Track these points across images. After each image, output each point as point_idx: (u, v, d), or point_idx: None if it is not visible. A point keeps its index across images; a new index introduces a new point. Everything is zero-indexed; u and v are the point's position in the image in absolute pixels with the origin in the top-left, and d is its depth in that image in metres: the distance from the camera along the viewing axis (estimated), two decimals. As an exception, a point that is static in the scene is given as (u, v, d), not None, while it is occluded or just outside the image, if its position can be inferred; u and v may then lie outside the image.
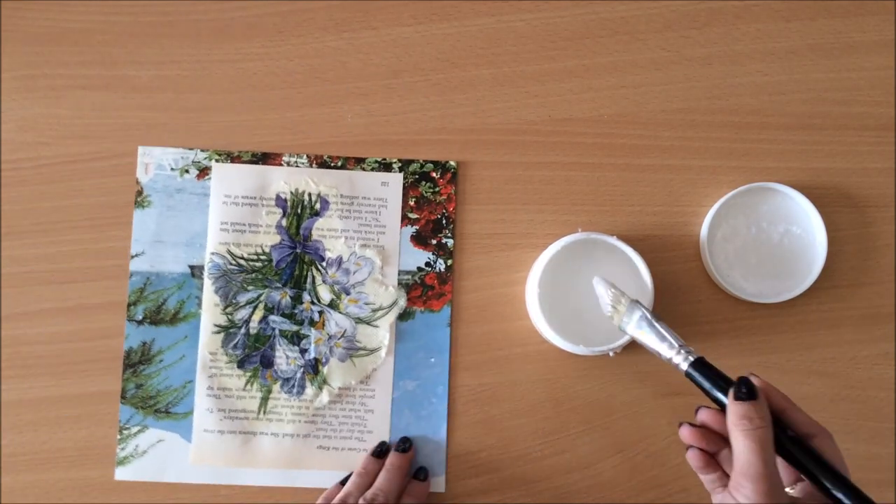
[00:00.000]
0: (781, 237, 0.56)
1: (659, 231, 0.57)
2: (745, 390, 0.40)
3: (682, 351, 0.44)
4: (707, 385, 0.42)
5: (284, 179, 0.57)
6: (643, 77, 0.58)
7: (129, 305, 0.55)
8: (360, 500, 0.49)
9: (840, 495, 0.38)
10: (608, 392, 0.55)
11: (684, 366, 0.43)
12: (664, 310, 0.55)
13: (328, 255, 0.56)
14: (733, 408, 0.40)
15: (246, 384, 0.55)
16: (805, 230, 0.56)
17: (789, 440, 0.40)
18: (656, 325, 0.45)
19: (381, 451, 0.53)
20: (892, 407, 0.55)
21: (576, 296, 0.54)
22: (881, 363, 0.56)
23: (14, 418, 0.54)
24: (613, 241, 0.52)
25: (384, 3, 0.59)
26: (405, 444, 0.53)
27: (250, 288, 0.56)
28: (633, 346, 0.51)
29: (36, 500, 0.54)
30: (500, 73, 0.58)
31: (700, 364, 0.43)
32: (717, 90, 0.58)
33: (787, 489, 0.42)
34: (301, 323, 0.55)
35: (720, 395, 0.42)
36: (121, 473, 0.54)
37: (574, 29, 0.58)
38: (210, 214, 0.56)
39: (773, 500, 0.37)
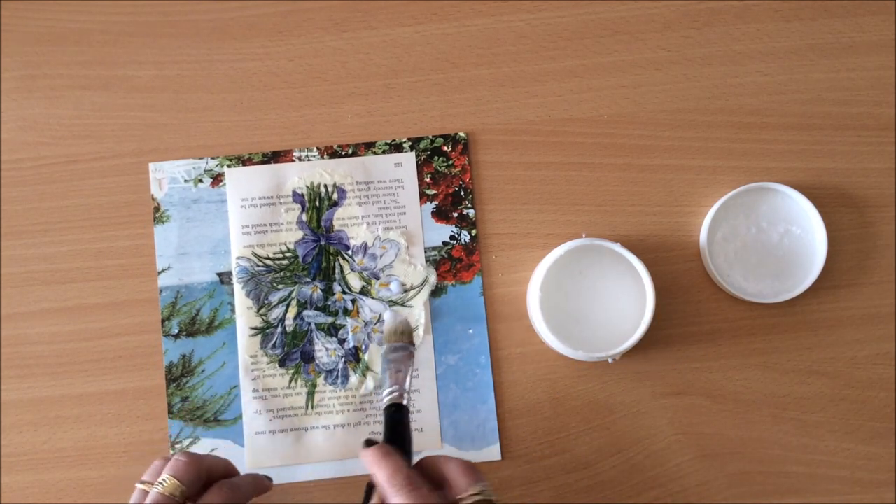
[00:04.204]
0: (781, 237, 0.56)
1: (659, 231, 0.57)
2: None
3: (393, 394, 0.46)
4: (386, 434, 0.45)
5: (298, 175, 0.57)
6: (643, 77, 0.58)
7: (163, 321, 0.55)
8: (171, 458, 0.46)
9: None
10: (608, 392, 0.55)
11: (384, 403, 0.46)
12: (664, 310, 0.55)
13: (352, 242, 0.56)
14: None
15: (290, 382, 0.55)
16: (805, 230, 0.56)
17: None
18: (390, 366, 0.48)
19: None
20: (892, 407, 0.55)
21: (577, 301, 0.54)
22: (881, 363, 0.56)
23: (14, 418, 0.54)
24: (617, 248, 0.52)
25: (384, 3, 0.59)
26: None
27: (280, 286, 0.56)
28: (633, 348, 0.51)
29: (36, 500, 0.54)
30: (500, 73, 0.58)
31: (391, 410, 0.45)
32: (717, 90, 0.58)
33: None
34: (335, 314, 0.56)
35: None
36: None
37: (574, 29, 0.58)
38: (230, 220, 0.56)
39: None
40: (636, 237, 0.57)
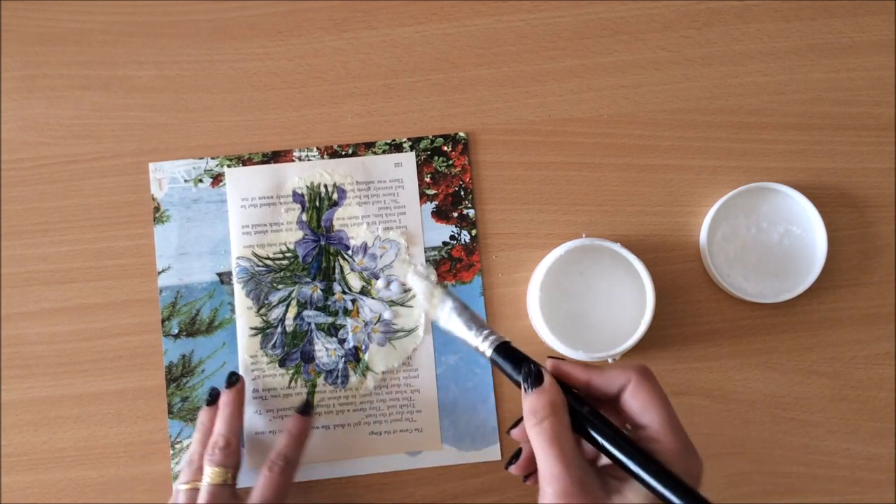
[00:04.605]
0: (781, 237, 0.56)
1: (659, 231, 0.57)
2: (530, 381, 0.38)
3: (489, 338, 0.41)
4: (509, 371, 0.40)
5: (298, 175, 0.57)
6: (643, 77, 0.58)
7: (163, 321, 0.55)
8: (205, 453, 0.48)
9: (627, 461, 0.36)
10: (608, 392, 0.55)
11: (488, 352, 0.41)
12: (664, 310, 0.55)
13: (352, 242, 0.56)
14: (523, 405, 0.38)
15: (290, 382, 0.55)
16: (805, 230, 0.56)
17: (583, 418, 0.37)
18: (464, 314, 0.43)
19: (212, 399, 0.52)
20: (892, 407, 0.55)
21: (577, 301, 0.54)
22: (881, 363, 0.56)
23: (14, 418, 0.54)
24: (617, 247, 0.52)
25: (384, 3, 0.59)
26: (232, 379, 0.52)
27: (280, 286, 0.56)
28: (633, 348, 0.51)
29: (36, 500, 0.54)
30: (500, 73, 0.58)
31: (503, 349, 0.41)
32: (717, 90, 0.58)
33: (601, 461, 0.39)
34: (335, 314, 0.56)
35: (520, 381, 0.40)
36: (180, 487, 0.54)
37: (574, 29, 0.58)
38: (230, 220, 0.56)
39: (572, 499, 0.35)
40: (636, 237, 0.57)
